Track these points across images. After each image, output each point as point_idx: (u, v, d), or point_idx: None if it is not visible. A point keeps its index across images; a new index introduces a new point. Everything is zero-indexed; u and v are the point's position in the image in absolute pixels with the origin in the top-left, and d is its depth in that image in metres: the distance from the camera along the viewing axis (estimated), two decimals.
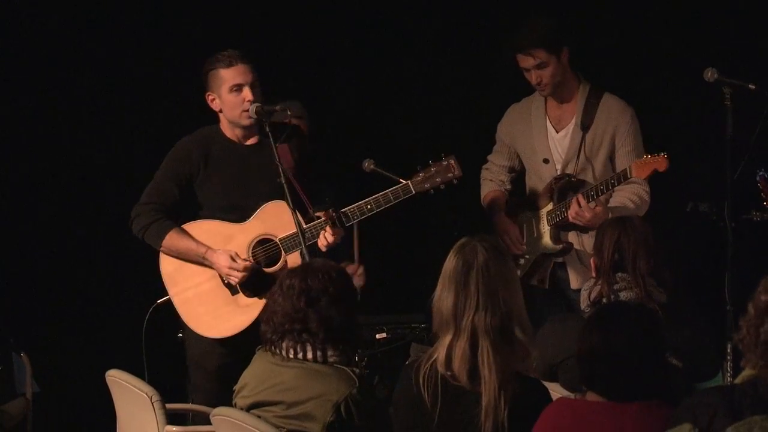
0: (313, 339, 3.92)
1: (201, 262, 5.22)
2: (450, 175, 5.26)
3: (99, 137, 6.75)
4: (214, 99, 5.24)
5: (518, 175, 6.00)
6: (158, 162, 5.33)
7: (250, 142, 5.30)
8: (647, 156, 5.49)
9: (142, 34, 6.73)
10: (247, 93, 5.17)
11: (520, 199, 5.96)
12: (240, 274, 5.16)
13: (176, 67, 6.54)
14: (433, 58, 7.01)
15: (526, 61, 5.70)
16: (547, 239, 5.80)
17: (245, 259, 5.18)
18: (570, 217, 5.62)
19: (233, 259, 5.16)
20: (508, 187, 6.00)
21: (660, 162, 5.45)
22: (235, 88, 5.18)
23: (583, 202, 5.57)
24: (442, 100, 7.03)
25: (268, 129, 5.09)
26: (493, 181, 6.00)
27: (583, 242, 5.74)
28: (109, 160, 6.75)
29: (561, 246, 5.77)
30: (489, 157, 6.05)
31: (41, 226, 6.71)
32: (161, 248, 5.24)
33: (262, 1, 6.89)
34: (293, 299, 3.94)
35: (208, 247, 5.20)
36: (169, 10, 6.75)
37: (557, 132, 5.83)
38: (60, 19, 6.66)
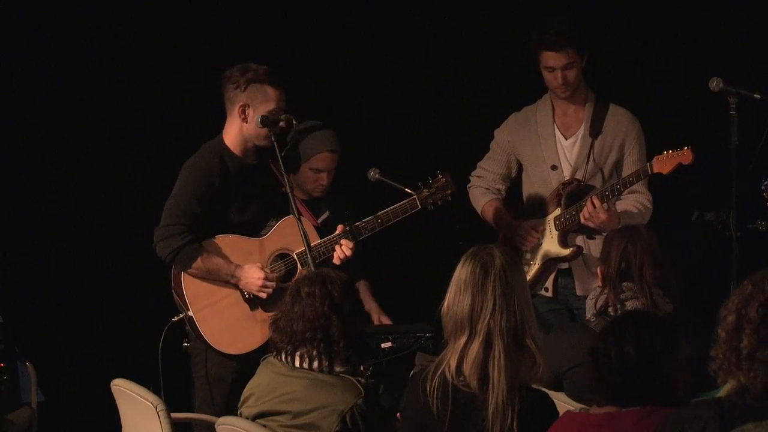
0: (333, 346, 3.93)
1: (228, 280, 5.20)
2: (448, 191, 5.45)
3: (117, 149, 6.73)
4: (248, 111, 5.16)
5: (511, 184, 5.98)
6: (172, 173, 5.29)
7: (251, 161, 5.28)
8: (668, 152, 5.42)
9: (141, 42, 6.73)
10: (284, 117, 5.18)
11: (521, 209, 5.92)
12: (272, 285, 5.17)
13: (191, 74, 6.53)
14: (436, 68, 7.01)
15: (556, 60, 5.63)
16: (555, 245, 5.74)
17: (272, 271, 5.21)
18: (582, 219, 5.57)
19: (263, 271, 5.17)
20: (504, 195, 5.95)
21: (685, 155, 5.36)
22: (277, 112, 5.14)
23: (597, 202, 5.53)
24: (444, 109, 7.02)
25: (273, 139, 5.11)
26: (489, 190, 5.96)
27: (589, 247, 5.71)
28: (123, 170, 6.72)
29: (571, 250, 5.71)
30: (481, 164, 6.00)
31: (46, 235, 6.70)
32: (189, 270, 5.16)
33: (267, 9, 6.89)
34: (316, 305, 3.95)
35: (237, 265, 5.18)
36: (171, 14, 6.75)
37: (566, 139, 5.82)
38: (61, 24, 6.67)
